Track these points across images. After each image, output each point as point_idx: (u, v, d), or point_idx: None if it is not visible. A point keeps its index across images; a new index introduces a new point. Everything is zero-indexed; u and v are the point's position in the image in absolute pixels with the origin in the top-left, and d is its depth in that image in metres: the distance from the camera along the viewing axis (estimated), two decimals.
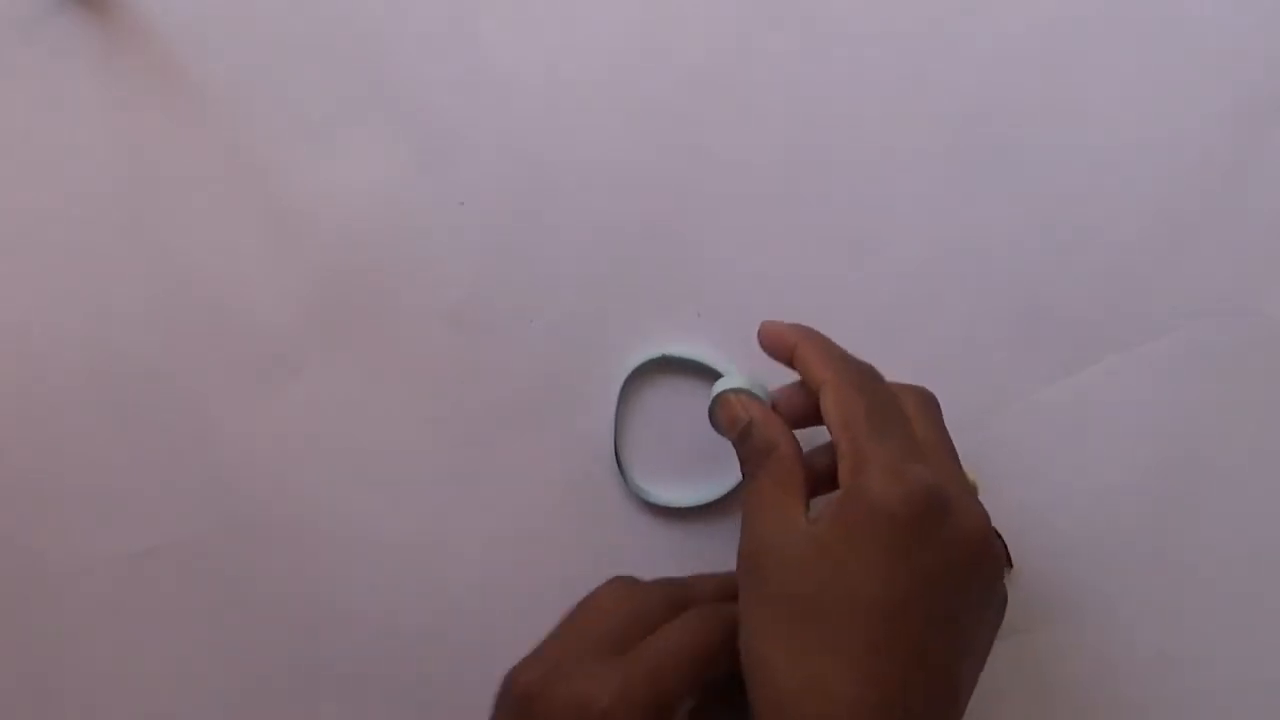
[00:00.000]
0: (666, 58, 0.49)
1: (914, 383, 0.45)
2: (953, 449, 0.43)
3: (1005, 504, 0.49)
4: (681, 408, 0.49)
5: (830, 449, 0.42)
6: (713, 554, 0.49)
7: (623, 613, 0.43)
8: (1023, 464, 0.49)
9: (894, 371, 0.49)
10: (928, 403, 0.44)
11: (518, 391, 0.49)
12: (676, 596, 0.44)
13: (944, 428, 0.43)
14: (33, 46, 0.49)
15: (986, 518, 0.41)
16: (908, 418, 0.42)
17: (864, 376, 0.43)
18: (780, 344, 0.44)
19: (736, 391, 0.45)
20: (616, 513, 0.49)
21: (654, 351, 0.49)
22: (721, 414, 0.45)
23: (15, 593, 0.49)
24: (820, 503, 0.42)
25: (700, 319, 0.49)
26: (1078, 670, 0.49)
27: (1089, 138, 0.49)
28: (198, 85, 0.49)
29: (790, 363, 0.44)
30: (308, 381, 0.49)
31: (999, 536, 0.48)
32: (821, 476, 0.43)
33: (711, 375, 0.48)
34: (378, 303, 0.49)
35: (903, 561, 0.39)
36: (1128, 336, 0.49)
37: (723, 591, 0.45)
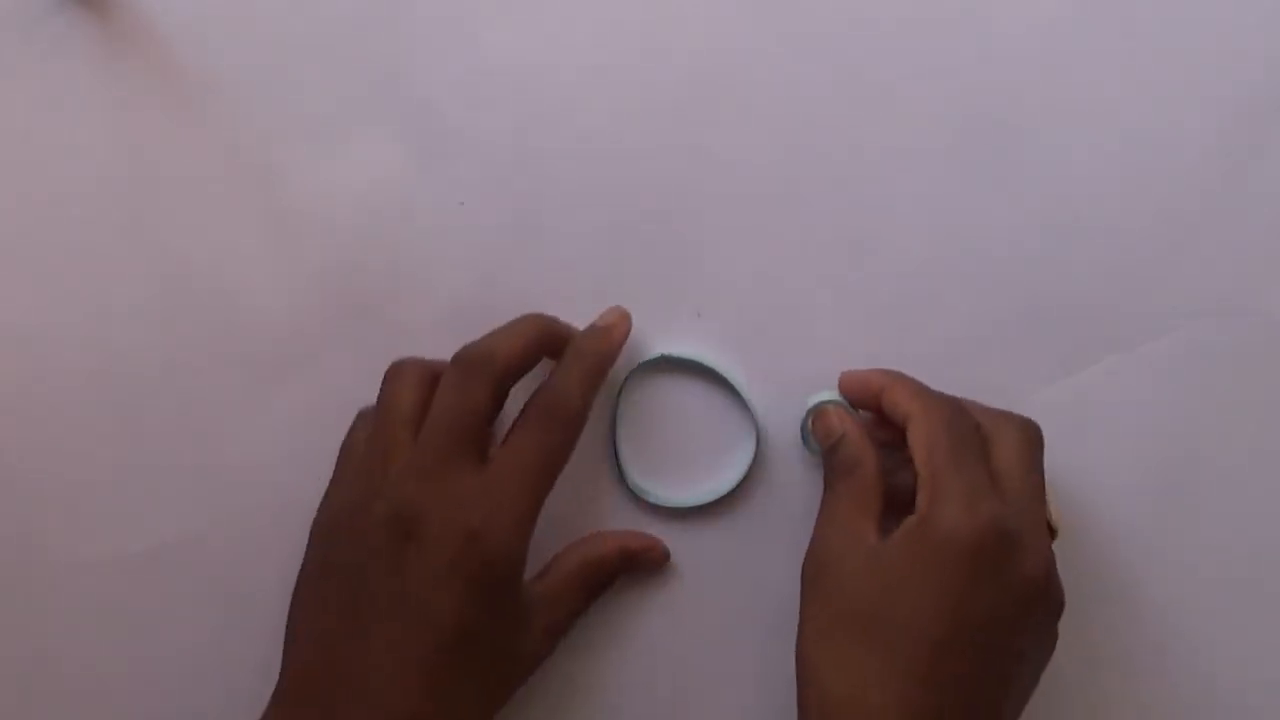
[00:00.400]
0: (667, 57, 0.49)
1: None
2: (1038, 485, 0.44)
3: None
4: (681, 407, 0.49)
5: (913, 475, 0.43)
6: (713, 554, 0.49)
7: (472, 397, 0.44)
8: None
9: (895, 369, 0.49)
10: (1023, 435, 0.44)
11: (517, 391, 0.49)
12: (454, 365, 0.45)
13: (1034, 461, 0.44)
14: (33, 46, 0.49)
15: (1052, 561, 0.42)
16: (989, 453, 0.43)
17: (950, 410, 0.44)
18: (866, 389, 0.46)
19: (835, 404, 0.47)
20: (616, 513, 0.49)
21: (654, 352, 0.49)
22: (818, 424, 0.47)
23: (15, 593, 0.49)
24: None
25: (700, 319, 0.49)
26: (1077, 669, 0.49)
27: (1089, 137, 0.49)
28: (198, 85, 0.49)
29: (878, 407, 0.46)
30: (308, 381, 0.49)
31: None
32: (901, 500, 0.44)
33: (711, 376, 0.48)
34: (378, 302, 0.49)
35: (963, 594, 0.41)
36: (1128, 336, 0.49)
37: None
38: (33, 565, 0.49)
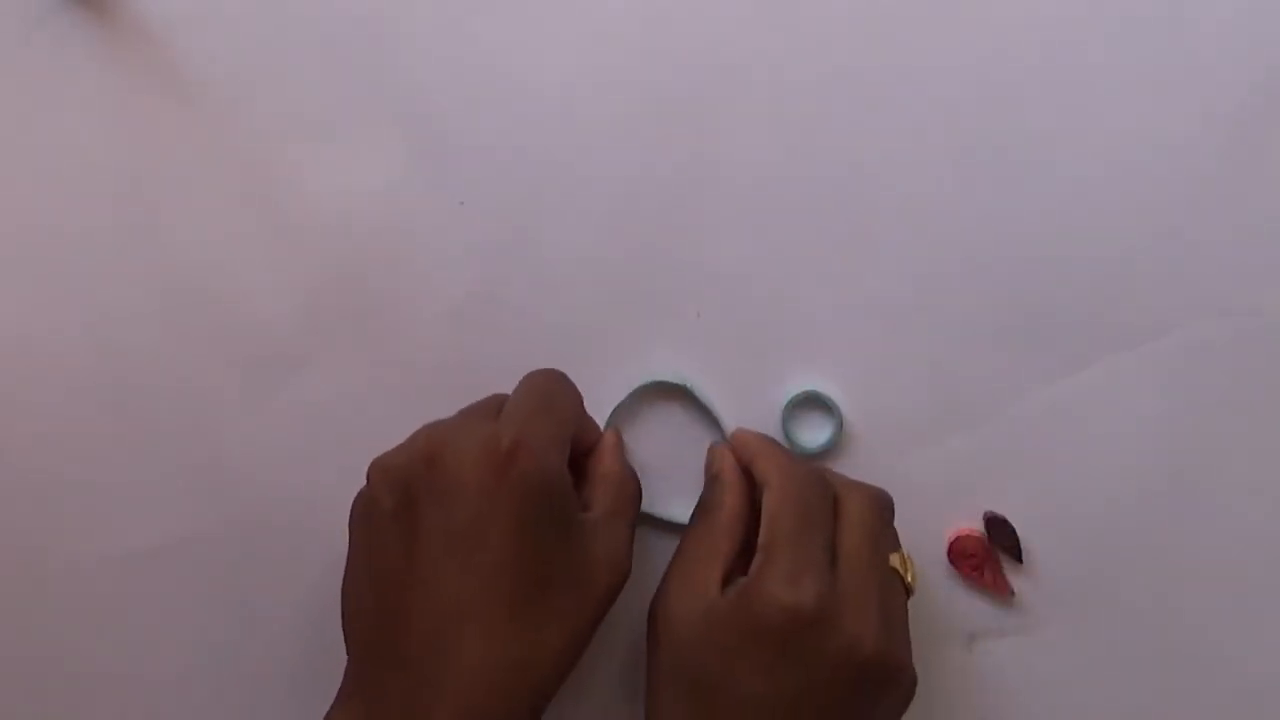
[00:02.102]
0: (667, 57, 0.49)
1: (916, 383, 0.45)
2: (876, 562, 0.43)
3: (1005, 504, 0.49)
4: (674, 421, 0.49)
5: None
6: None
7: (484, 401, 0.46)
8: (1023, 464, 0.49)
9: (894, 373, 0.49)
10: (872, 508, 0.44)
11: None
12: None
13: (878, 537, 0.44)
14: (33, 46, 0.49)
15: (885, 640, 0.41)
16: (838, 526, 0.44)
17: (804, 484, 0.44)
18: (743, 451, 0.47)
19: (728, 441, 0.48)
20: None
21: (648, 376, 0.49)
22: (707, 456, 0.48)
23: (15, 592, 0.49)
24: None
25: (700, 319, 0.49)
26: (1078, 669, 0.49)
27: (1089, 138, 0.49)
28: (198, 85, 0.49)
29: (749, 471, 0.46)
30: (308, 381, 0.49)
31: (1012, 531, 0.48)
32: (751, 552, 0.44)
33: (688, 395, 0.48)
34: (378, 302, 0.49)
35: (786, 666, 0.41)
36: (1128, 336, 0.49)
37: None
38: (33, 565, 0.49)
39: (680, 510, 0.48)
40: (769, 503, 0.43)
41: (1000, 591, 0.49)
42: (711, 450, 0.48)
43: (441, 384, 0.49)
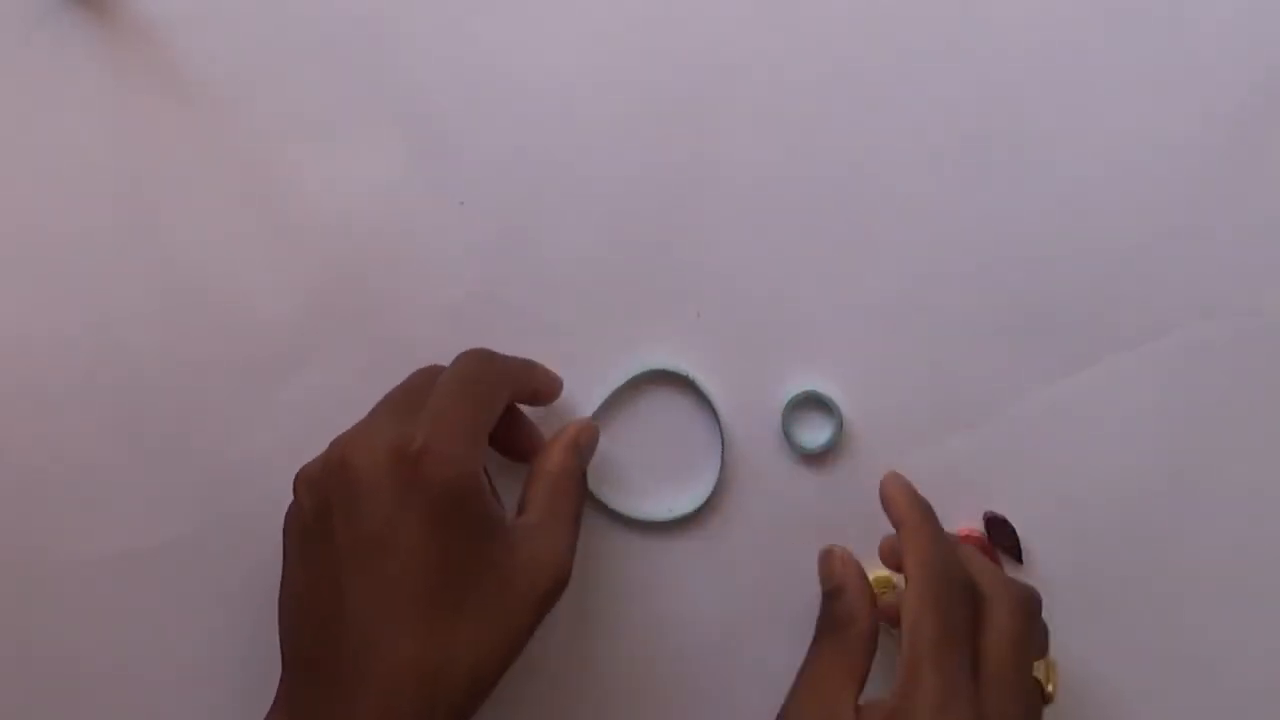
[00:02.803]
0: (667, 57, 0.49)
1: (916, 383, 0.45)
2: (1021, 680, 0.42)
3: (1005, 504, 0.49)
4: (656, 421, 0.49)
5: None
6: (684, 568, 0.49)
7: (411, 383, 0.45)
8: (1023, 464, 0.49)
9: (894, 373, 0.49)
10: (1019, 615, 0.43)
11: None
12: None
13: (1025, 650, 0.42)
14: (33, 46, 0.49)
15: None
16: (980, 628, 0.42)
17: (949, 584, 0.42)
18: (891, 512, 0.44)
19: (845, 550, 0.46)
20: (588, 525, 0.48)
21: (633, 368, 0.49)
22: (821, 563, 0.46)
23: (15, 592, 0.49)
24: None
25: (700, 319, 0.49)
26: (1078, 669, 0.49)
27: (1089, 138, 0.49)
28: (198, 85, 0.49)
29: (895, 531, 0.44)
30: (308, 381, 0.49)
31: (1012, 531, 0.48)
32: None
33: (685, 387, 0.48)
34: (378, 302, 0.49)
35: None
36: (1128, 336, 0.49)
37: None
38: (33, 564, 0.49)
39: (668, 506, 0.48)
40: (908, 608, 0.41)
41: None
42: (830, 557, 0.45)
43: None
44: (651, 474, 0.49)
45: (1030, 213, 0.49)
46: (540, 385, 0.47)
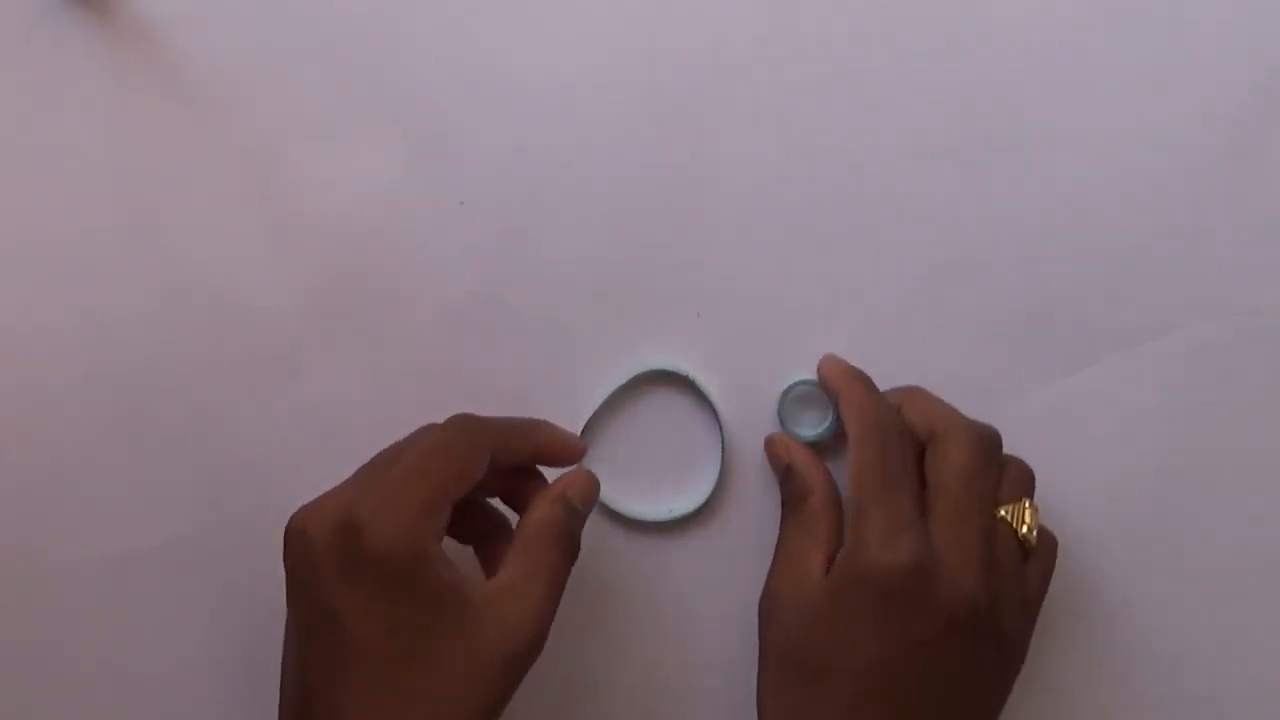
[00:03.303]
0: (667, 57, 0.49)
1: (916, 383, 0.45)
2: (975, 509, 0.43)
3: None
4: (656, 421, 0.49)
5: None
6: (684, 568, 0.49)
7: (400, 444, 0.44)
8: None
9: (894, 372, 0.49)
10: (966, 450, 0.44)
11: (517, 391, 0.49)
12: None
13: (975, 483, 0.43)
14: (33, 46, 0.49)
15: (979, 592, 0.41)
16: (934, 464, 0.44)
17: (887, 431, 0.44)
18: (829, 385, 0.47)
19: (808, 385, 0.48)
20: (588, 526, 0.48)
21: (634, 368, 0.48)
22: (767, 452, 0.48)
23: (15, 592, 0.49)
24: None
25: (700, 318, 0.49)
26: (1079, 669, 0.49)
27: (1089, 138, 0.49)
28: (198, 85, 0.49)
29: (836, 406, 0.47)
30: (308, 381, 0.49)
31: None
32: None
33: (684, 386, 0.48)
34: (378, 302, 0.49)
35: (892, 624, 0.41)
36: (1128, 336, 0.49)
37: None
38: (33, 564, 0.49)
39: (668, 506, 0.48)
40: (853, 460, 0.44)
41: None
42: (773, 444, 0.48)
43: (441, 384, 0.49)
44: (651, 474, 0.49)
45: (1030, 213, 0.49)
46: (544, 445, 0.45)
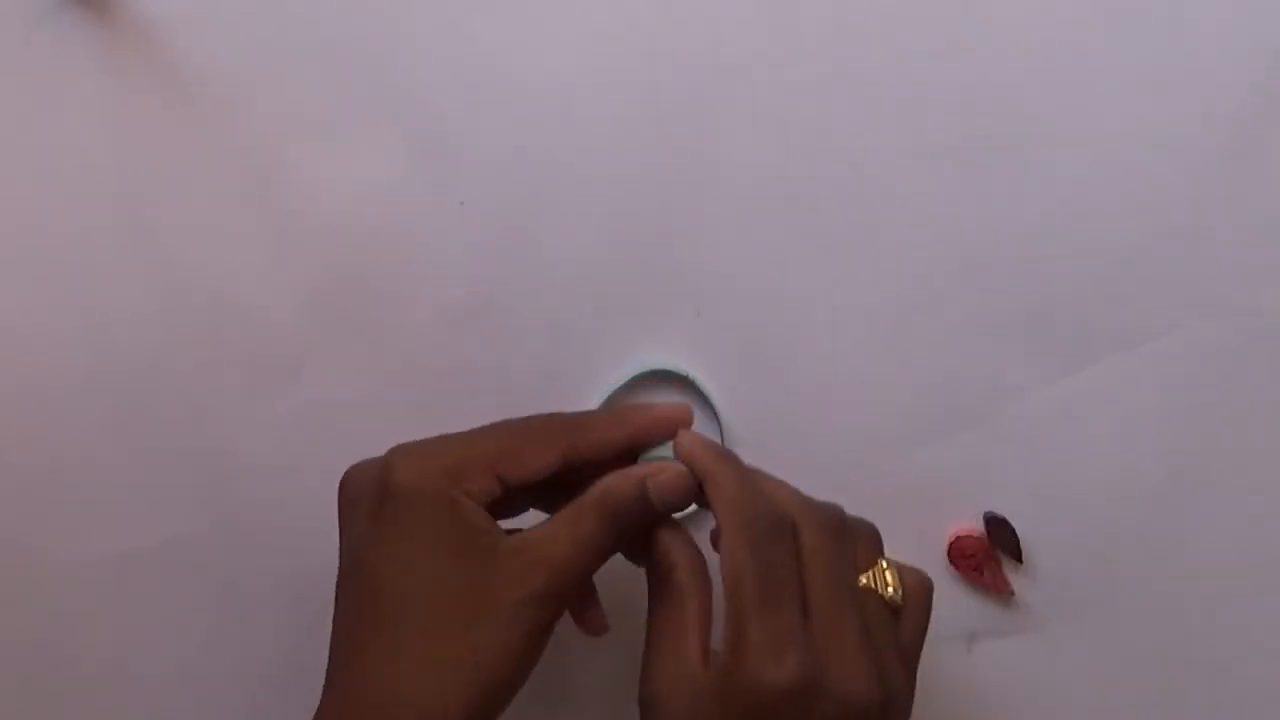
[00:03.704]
0: (667, 57, 0.49)
1: (915, 382, 0.45)
2: (845, 598, 0.40)
3: (1005, 504, 0.49)
4: None
5: None
6: None
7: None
8: (1023, 464, 0.49)
9: (894, 373, 0.49)
10: (821, 536, 0.41)
11: (517, 392, 0.49)
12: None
13: (837, 568, 0.41)
14: (33, 46, 0.49)
15: (873, 687, 0.39)
16: (797, 577, 0.40)
17: (761, 529, 0.40)
18: (694, 468, 0.42)
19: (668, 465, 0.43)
20: None
21: (636, 368, 0.48)
22: (653, 545, 0.43)
23: (15, 592, 0.49)
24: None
25: (700, 318, 0.49)
26: (1078, 669, 0.49)
27: (1089, 138, 0.49)
28: (198, 85, 0.49)
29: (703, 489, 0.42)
30: (308, 381, 0.49)
31: (1012, 531, 0.48)
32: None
33: (685, 386, 0.48)
34: (377, 302, 0.49)
35: None
36: (1128, 336, 0.49)
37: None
38: (33, 564, 0.49)
39: None
40: (725, 557, 0.40)
41: (1000, 591, 0.49)
42: (659, 538, 0.43)
43: (441, 384, 0.49)
44: None
45: (1030, 213, 0.49)
46: (638, 429, 0.43)
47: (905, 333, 0.49)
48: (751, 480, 0.42)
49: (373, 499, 0.41)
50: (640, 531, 0.43)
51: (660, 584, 0.42)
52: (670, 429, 0.44)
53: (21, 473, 0.49)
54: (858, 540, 0.42)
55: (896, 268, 0.49)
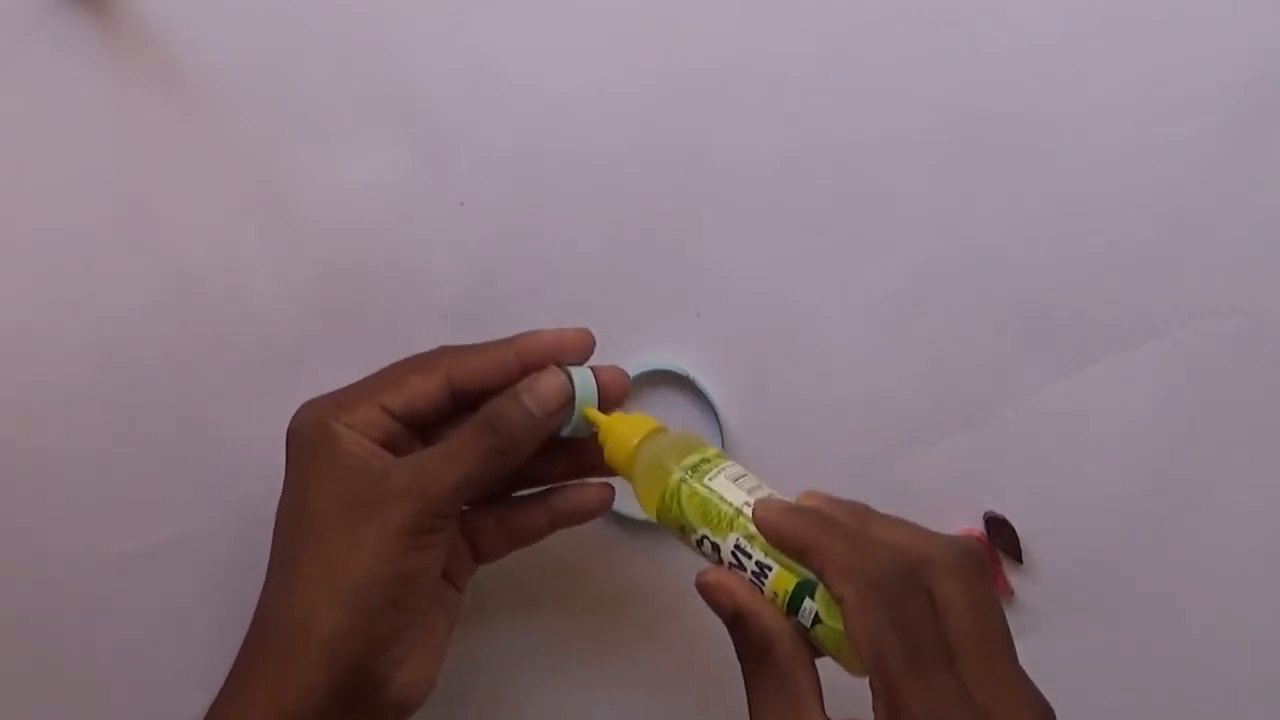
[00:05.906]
0: (667, 58, 0.49)
1: (915, 383, 0.45)
2: (999, 647, 0.37)
3: (1005, 504, 0.49)
4: (672, 413, 0.49)
5: None
6: (684, 568, 0.49)
7: None
8: (1023, 464, 0.49)
9: (894, 373, 0.49)
10: (964, 575, 0.37)
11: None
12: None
13: (987, 611, 0.37)
14: (33, 46, 0.48)
15: (1039, 711, 0.37)
16: (939, 630, 0.37)
17: (893, 587, 0.36)
18: (787, 544, 0.38)
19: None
20: (588, 525, 0.48)
21: (637, 367, 0.48)
22: (704, 596, 0.40)
23: (16, 591, 0.49)
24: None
25: (700, 318, 0.49)
26: (1078, 669, 0.49)
27: (1089, 138, 0.49)
28: (198, 85, 0.49)
29: (802, 561, 0.39)
30: (308, 380, 0.49)
31: (1012, 531, 0.48)
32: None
33: (683, 386, 0.48)
34: (378, 302, 0.49)
35: None
36: (1128, 336, 0.49)
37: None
38: (34, 564, 0.49)
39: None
40: (860, 631, 0.36)
41: (1000, 591, 0.49)
42: (708, 588, 0.40)
43: None
44: None
45: (1030, 213, 0.49)
46: (525, 351, 0.43)
47: (905, 333, 0.49)
48: (861, 532, 0.38)
49: (287, 447, 0.44)
50: (535, 448, 0.42)
51: (759, 658, 0.39)
52: (558, 349, 0.44)
53: (21, 473, 0.49)
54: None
55: (897, 268, 0.49)
